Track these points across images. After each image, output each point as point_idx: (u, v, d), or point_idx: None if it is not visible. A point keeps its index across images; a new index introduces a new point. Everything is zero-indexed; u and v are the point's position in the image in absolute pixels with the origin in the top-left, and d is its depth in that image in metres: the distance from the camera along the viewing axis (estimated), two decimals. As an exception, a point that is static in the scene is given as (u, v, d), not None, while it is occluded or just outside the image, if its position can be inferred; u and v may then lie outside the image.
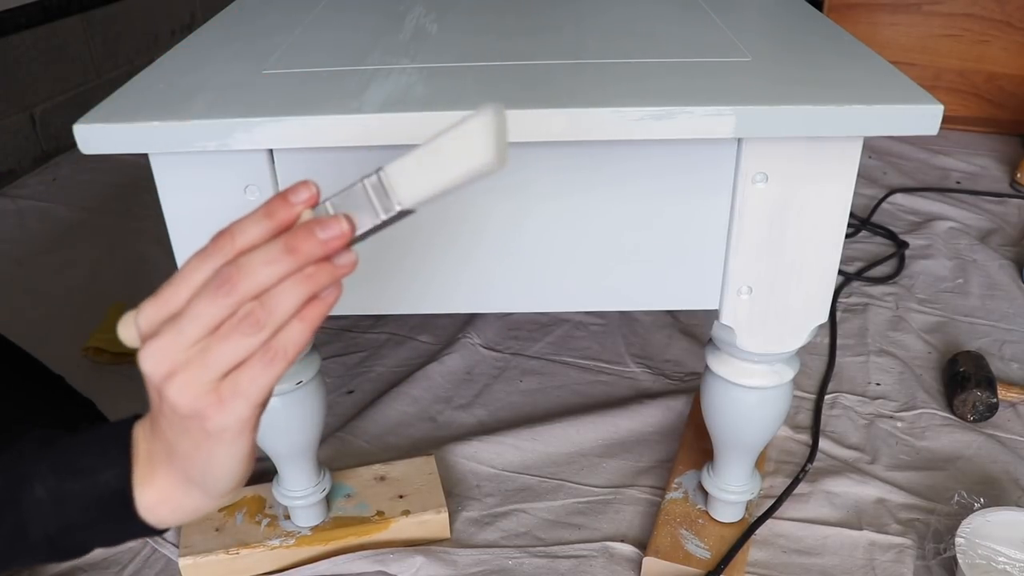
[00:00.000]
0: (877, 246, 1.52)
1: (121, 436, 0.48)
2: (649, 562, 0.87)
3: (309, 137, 0.62)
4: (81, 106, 0.64)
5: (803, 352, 0.79)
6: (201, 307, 0.41)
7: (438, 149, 0.44)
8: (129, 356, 1.21)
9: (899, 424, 1.10)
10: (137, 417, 0.50)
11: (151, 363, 0.41)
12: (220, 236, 0.43)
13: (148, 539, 0.92)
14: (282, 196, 0.44)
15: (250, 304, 0.41)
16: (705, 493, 0.91)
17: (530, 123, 0.61)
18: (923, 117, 0.60)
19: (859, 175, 0.67)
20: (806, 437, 1.07)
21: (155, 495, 0.48)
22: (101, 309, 1.30)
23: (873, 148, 1.84)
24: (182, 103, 0.64)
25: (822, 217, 0.68)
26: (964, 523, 0.88)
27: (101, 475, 0.48)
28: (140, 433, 0.48)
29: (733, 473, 0.88)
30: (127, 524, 0.49)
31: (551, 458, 1.05)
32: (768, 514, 0.94)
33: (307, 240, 0.42)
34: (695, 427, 1.04)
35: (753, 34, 0.78)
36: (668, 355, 1.23)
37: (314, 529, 0.90)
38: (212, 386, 0.41)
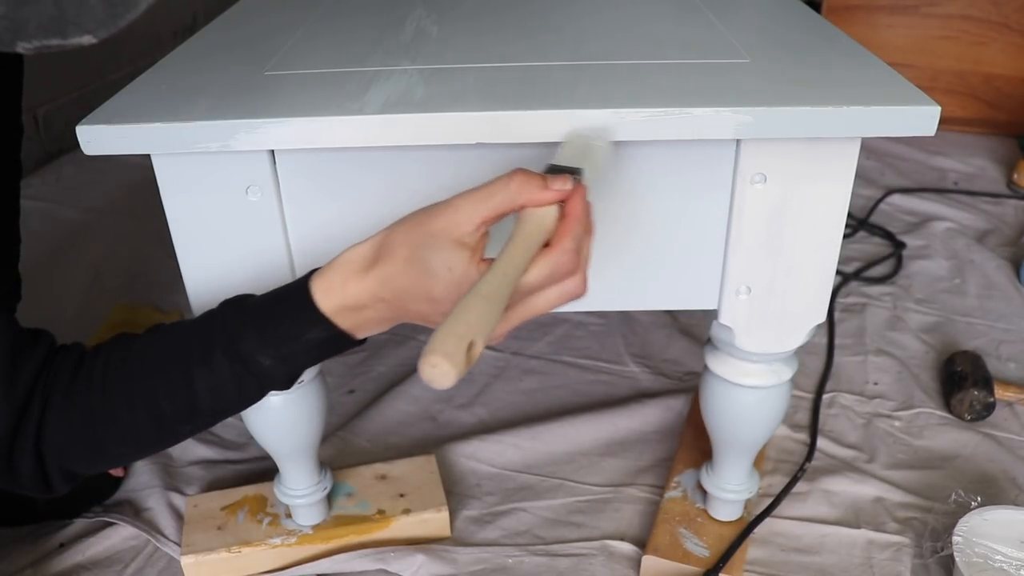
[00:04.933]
0: (875, 246, 1.52)
1: (307, 303, 0.58)
2: (648, 560, 0.88)
3: (311, 138, 0.62)
4: (84, 107, 0.65)
5: (801, 352, 0.79)
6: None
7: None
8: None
9: (897, 423, 1.10)
10: (308, 277, 0.58)
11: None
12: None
13: (151, 538, 0.93)
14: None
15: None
16: (704, 492, 0.92)
17: (530, 124, 0.61)
18: (921, 118, 0.61)
19: (857, 176, 0.67)
20: (804, 436, 1.07)
21: (365, 331, 0.60)
22: (105, 309, 1.30)
23: (871, 149, 1.85)
24: (184, 104, 0.64)
25: (820, 217, 0.69)
26: (961, 522, 0.88)
27: (308, 335, 0.58)
28: (347, 286, 0.57)
29: (732, 472, 0.88)
30: (348, 348, 0.61)
31: (551, 457, 1.05)
32: (766, 513, 0.94)
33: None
34: (694, 426, 1.04)
35: (751, 36, 0.79)
36: (667, 354, 1.24)
37: (315, 528, 0.91)
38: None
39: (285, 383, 0.61)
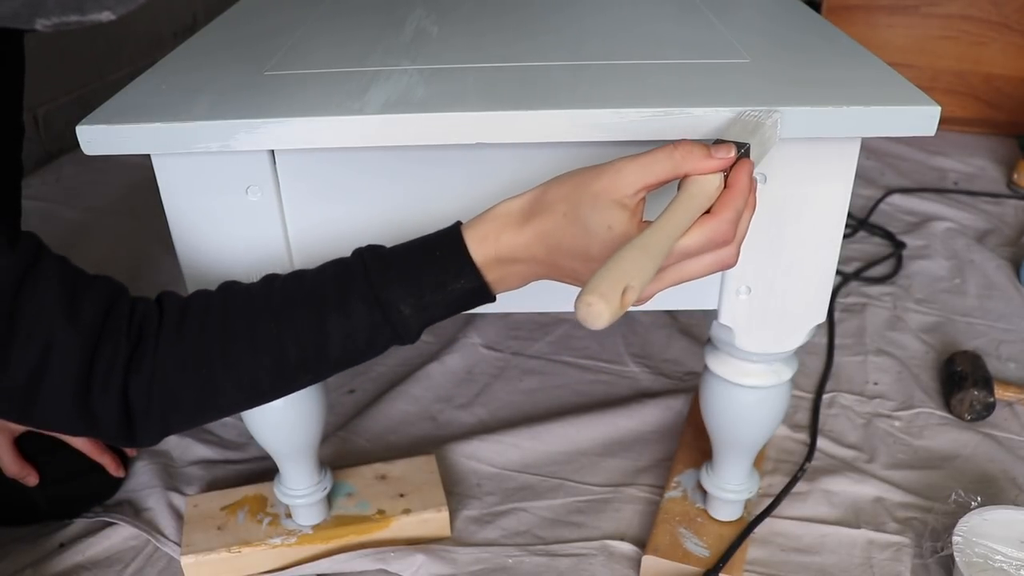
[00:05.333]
0: (875, 246, 1.52)
1: (458, 251, 0.58)
2: (648, 560, 0.88)
3: (311, 138, 0.62)
4: (84, 107, 0.65)
5: (801, 351, 0.79)
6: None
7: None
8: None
9: (897, 423, 1.10)
10: (456, 227, 0.58)
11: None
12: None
13: (151, 538, 0.93)
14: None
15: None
16: (704, 492, 0.92)
17: (531, 123, 0.61)
18: (921, 118, 0.61)
19: (857, 176, 0.67)
20: (804, 436, 1.07)
21: (504, 287, 0.60)
22: (102, 309, 1.30)
23: (871, 149, 1.85)
24: (184, 104, 0.64)
25: (820, 217, 0.69)
26: (961, 522, 0.88)
27: (454, 285, 0.58)
28: (502, 237, 0.57)
29: (732, 472, 0.88)
30: (482, 303, 0.61)
31: (551, 457, 1.05)
32: (766, 513, 0.94)
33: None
34: (694, 426, 1.04)
35: (751, 35, 0.79)
36: (667, 354, 1.24)
37: (315, 528, 0.91)
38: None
39: (415, 335, 0.61)
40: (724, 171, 0.55)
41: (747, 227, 0.57)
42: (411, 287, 0.58)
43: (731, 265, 0.57)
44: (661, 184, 0.55)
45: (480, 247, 0.58)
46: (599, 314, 0.45)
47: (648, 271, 0.48)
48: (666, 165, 0.54)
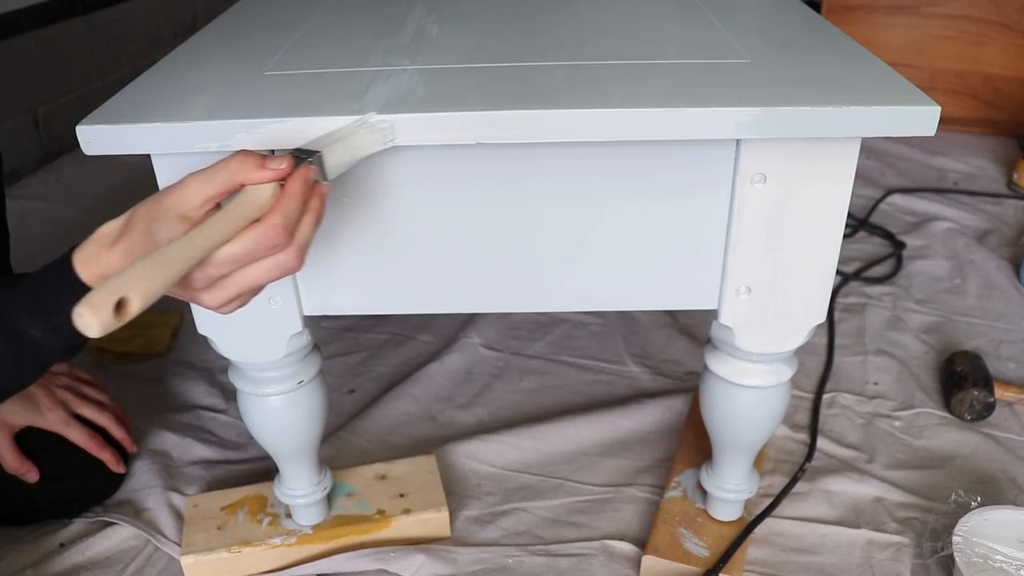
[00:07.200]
0: (875, 246, 1.52)
1: (68, 274, 0.60)
2: (648, 560, 0.88)
3: (311, 138, 0.62)
4: (84, 107, 0.65)
5: (801, 352, 0.79)
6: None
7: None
8: (131, 355, 1.22)
9: (897, 423, 1.10)
10: (71, 250, 0.61)
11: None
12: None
13: (151, 538, 0.93)
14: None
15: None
16: (704, 492, 0.92)
17: (530, 123, 0.61)
18: (921, 118, 0.61)
19: (857, 176, 0.67)
20: (804, 436, 1.07)
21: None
22: (102, 309, 1.30)
23: (871, 149, 1.85)
24: (184, 104, 0.64)
25: (820, 217, 0.69)
26: (961, 522, 0.88)
27: (72, 304, 0.57)
28: (100, 258, 0.59)
29: (732, 472, 0.88)
30: None
31: (551, 457, 1.05)
32: (766, 513, 0.94)
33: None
34: (694, 426, 1.04)
35: (752, 35, 0.79)
36: (667, 355, 1.24)
37: (315, 528, 0.91)
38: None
39: (61, 354, 0.63)
40: (280, 180, 0.55)
41: (309, 231, 0.57)
42: (35, 312, 0.61)
43: (293, 269, 0.57)
44: (224, 195, 0.56)
45: (87, 268, 0.60)
46: (88, 324, 0.47)
47: (156, 281, 0.50)
48: (223, 176, 0.55)
